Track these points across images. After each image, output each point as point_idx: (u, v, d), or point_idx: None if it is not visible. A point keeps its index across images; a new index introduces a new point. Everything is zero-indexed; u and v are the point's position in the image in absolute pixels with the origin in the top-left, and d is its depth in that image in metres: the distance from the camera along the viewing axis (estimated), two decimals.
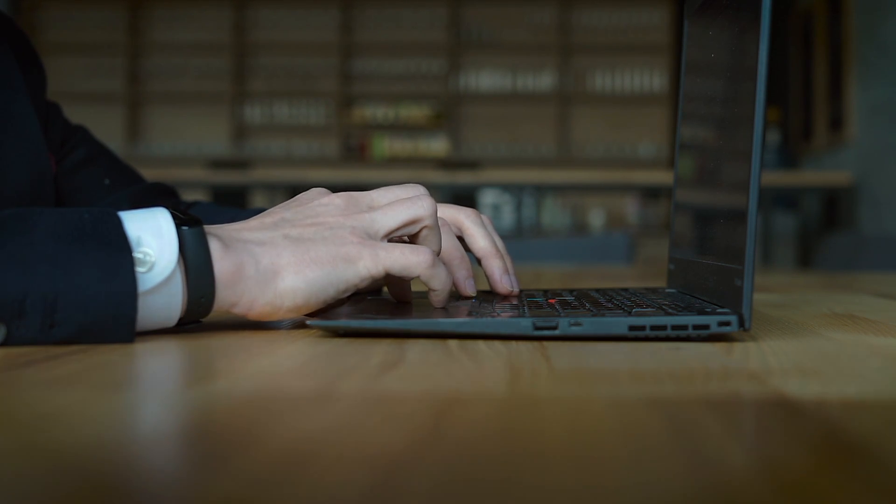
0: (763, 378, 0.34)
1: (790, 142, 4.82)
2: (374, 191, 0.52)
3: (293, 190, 3.97)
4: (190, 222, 0.44)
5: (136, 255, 0.42)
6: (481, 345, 0.42)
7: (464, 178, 3.88)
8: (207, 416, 0.28)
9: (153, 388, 0.32)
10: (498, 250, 0.61)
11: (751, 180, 0.44)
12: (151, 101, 5.60)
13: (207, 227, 0.46)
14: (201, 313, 0.45)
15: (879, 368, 0.37)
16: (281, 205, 0.51)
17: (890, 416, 0.28)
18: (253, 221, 0.49)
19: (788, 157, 4.57)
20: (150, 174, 0.85)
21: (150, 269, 0.42)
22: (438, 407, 0.28)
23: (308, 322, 0.46)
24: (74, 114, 0.81)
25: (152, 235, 0.43)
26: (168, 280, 0.43)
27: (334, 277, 0.46)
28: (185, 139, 5.58)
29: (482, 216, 0.63)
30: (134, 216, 0.44)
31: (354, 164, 5.56)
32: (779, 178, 3.75)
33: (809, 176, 3.98)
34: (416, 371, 0.35)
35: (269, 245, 0.46)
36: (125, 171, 0.82)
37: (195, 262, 0.44)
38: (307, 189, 0.53)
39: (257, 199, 4.96)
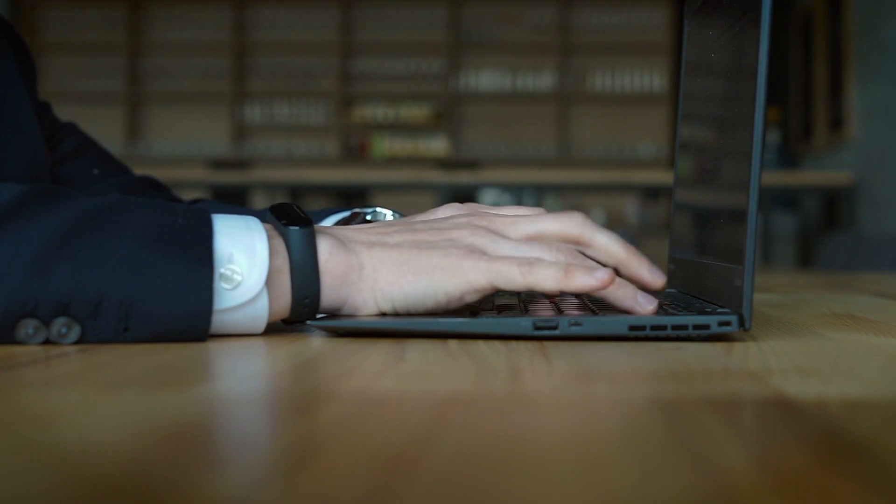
0: (763, 378, 0.34)
1: (790, 142, 4.81)
2: (526, 219, 0.49)
3: (293, 190, 3.96)
4: (300, 222, 0.44)
5: (224, 271, 0.42)
6: (481, 345, 0.42)
7: (464, 177, 3.87)
8: (207, 416, 0.28)
9: (153, 387, 0.32)
10: (631, 248, 0.52)
11: (751, 180, 0.44)
12: (151, 101, 5.60)
13: (321, 227, 0.46)
14: (306, 315, 0.45)
15: (879, 368, 0.37)
16: (425, 214, 0.51)
17: (890, 416, 0.28)
18: (377, 225, 0.49)
19: (788, 157, 4.57)
20: (149, 174, 0.85)
21: (236, 287, 0.42)
22: (438, 407, 0.28)
23: (308, 322, 0.46)
24: (74, 114, 0.81)
25: (244, 254, 0.43)
26: (253, 299, 0.43)
27: (430, 289, 0.45)
28: (185, 139, 5.58)
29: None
30: (229, 228, 0.43)
31: (354, 163, 5.56)
32: (779, 178, 3.75)
33: (809, 176, 3.97)
34: (416, 371, 0.35)
35: (377, 247, 0.46)
36: (114, 163, 0.83)
37: (301, 264, 0.44)
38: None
39: (257, 199, 4.96)
